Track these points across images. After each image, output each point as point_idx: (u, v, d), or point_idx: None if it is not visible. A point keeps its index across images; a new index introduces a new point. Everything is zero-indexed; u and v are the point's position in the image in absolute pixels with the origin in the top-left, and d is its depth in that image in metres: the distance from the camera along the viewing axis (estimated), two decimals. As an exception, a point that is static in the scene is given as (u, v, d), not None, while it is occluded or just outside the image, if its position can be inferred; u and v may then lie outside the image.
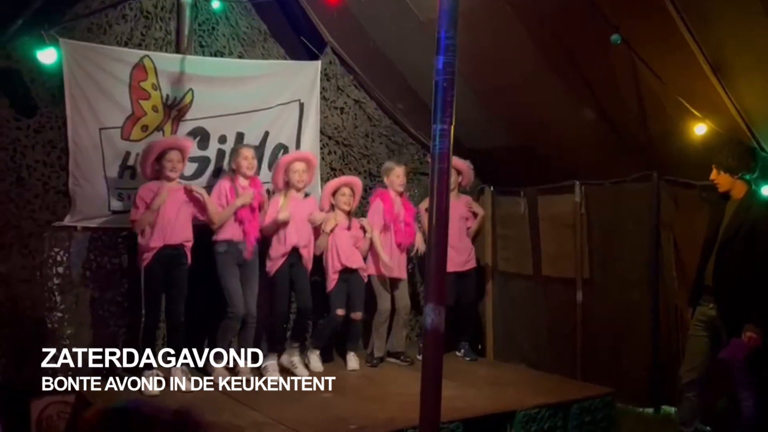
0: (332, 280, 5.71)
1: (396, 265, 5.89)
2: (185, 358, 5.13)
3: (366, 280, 5.88)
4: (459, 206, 6.08)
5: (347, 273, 5.76)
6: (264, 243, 5.50)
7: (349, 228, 5.80)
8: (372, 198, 6.03)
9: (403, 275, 6.01)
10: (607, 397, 5.07)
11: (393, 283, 5.98)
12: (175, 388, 4.97)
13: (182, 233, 5.06)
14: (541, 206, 6.36)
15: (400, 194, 5.97)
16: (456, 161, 5.90)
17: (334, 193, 5.81)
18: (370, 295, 5.98)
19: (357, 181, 5.91)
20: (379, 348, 5.96)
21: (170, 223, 4.98)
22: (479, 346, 6.77)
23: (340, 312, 5.70)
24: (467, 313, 6.31)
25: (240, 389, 5.02)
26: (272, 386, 5.14)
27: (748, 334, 4.04)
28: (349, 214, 5.84)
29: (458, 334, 6.18)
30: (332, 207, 5.82)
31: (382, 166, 6.10)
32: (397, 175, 5.89)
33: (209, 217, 5.17)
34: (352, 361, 5.82)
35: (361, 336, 6.11)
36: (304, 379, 5.23)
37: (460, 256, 6.05)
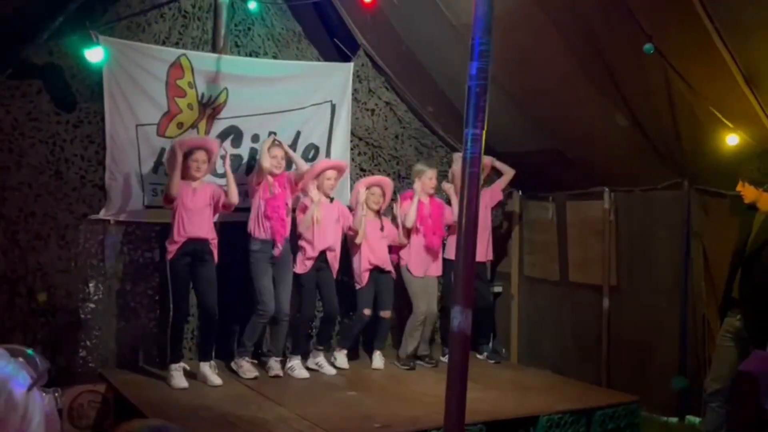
0: (363, 278, 5.76)
1: (422, 266, 5.91)
2: (214, 354, 5.24)
3: (395, 278, 5.93)
4: (483, 198, 6.07)
5: (376, 272, 5.81)
6: (294, 243, 5.56)
7: (381, 228, 5.85)
8: (403, 197, 6.04)
9: (437, 272, 6.00)
10: (632, 404, 5.05)
11: (425, 283, 5.98)
12: (204, 383, 5.07)
13: (206, 229, 5.12)
14: (570, 212, 6.35)
15: (430, 196, 6.00)
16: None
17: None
18: (400, 294, 6.01)
19: (388, 182, 5.96)
20: (411, 350, 5.91)
21: (194, 219, 5.04)
22: (503, 350, 6.78)
23: (367, 312, 5.75)
24: (485, 314, 6.22)
25: (268, 384, 5.11)
26: (300, 380, 5.28)
27: None
28: (379, 213, 5.89)
29: (477, 336, 6.13)
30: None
31: (414, 167, 6.13)
32: (429, 178, 5.91)
33: (230, 200, 5.21)
34: (378, 360, 5.87)
35: (388, 335, 6.16)
36: (328, 375, 5.32)
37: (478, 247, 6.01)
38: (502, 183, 6.29)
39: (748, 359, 4.10)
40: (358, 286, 5.80)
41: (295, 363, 5.48)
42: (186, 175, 5.10)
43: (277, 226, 5.33)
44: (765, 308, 4.09)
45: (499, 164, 6.24)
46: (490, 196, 6.24)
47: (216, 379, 5.09)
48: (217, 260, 5.20)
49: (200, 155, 5.11)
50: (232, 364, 5.42)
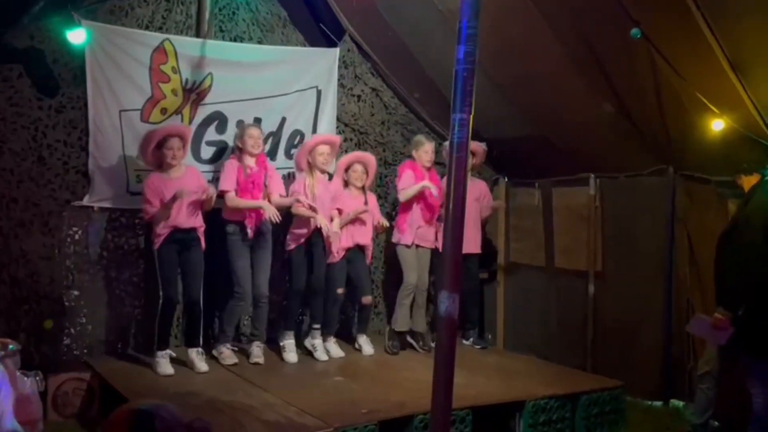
0: (338, 254, 5.70)
1: (422, 237, 5.93)
2: (201, 340, 5.22)
3: (371, 261, 5.95)
4: (473, 189, 6.09)
5: (352, 252, 5.79)
6: (276, 227, 5.50)
7: (365, 203, 5.83)
8: (401, 168, 6.01)
9: (428, 245, 5.98)
10: (617, 389, 5.09)
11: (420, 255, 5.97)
12: (191, 370, 5.06)
13: (192, 218, 5.09)
14: (556, 198, 6.38)
15: (428, 169, 5.97)
16: (471, 144, 5.93)
17: (346, 170, 5.84)
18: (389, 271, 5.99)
19: (370, 158, 5.94)
20: (403, 323, 5.90)
21: (179, 208, 5.00)
22: (488, 336, 6.81)
23: (341, 291, 5.74)
24: (471, 299, 6.28)
25: (255, 370, 5.12)
26: (288, 365, 5.31)
27: (716, 315, 4.12)
28: (363, 190, 5.87)
29: (463, 321, 6.13)
30: (346, 183, 5.85)
31: (413, 139, 6.12)
32: (425, 151, 5.90)
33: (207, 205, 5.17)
34: (366, 345, 5.87)
35: (370, 320, 6.18)
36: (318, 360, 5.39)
37: (469, 238, 6.04)
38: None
39: (690, 322, 4.24)
40: (330, 261, 5.70)
41: (287, 343, 5.49)
42: (163, 166, 5.06)
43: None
44: (727, 285, 4.17)
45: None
46: (485, 193, 6.31)
47: (203, 366, 5.09)
48: (204, 247, 5.17)
49: (174, 142, 5.06)
50: (213, 351, 5.40)
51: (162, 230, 4.98)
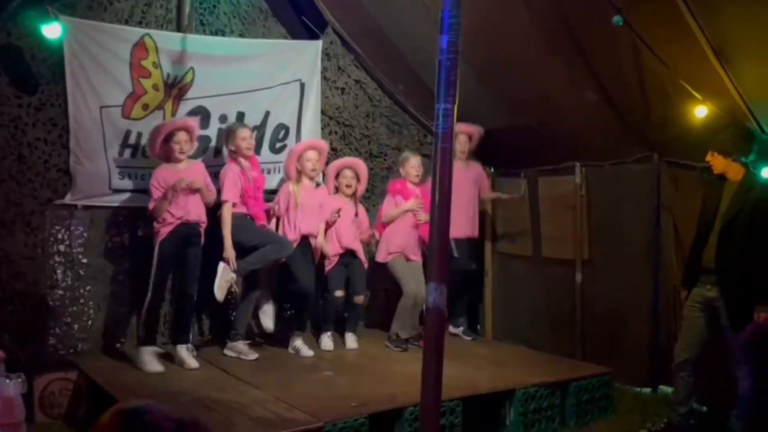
0: (331, 262, 5.73)
1: (410, 249, 5.87)
2: (191, 337, 5.19)
3: (366, 265, 5.92)
4: (470, 172, 6.08)
5: (347, 257, 5.78)
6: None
7: (356, 214, 5.82)
8: (390, 188, 5.97)
9: (418, 258, 5.92)
10: (605, 376, 5.12)
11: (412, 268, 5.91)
12: (181, 365, 5.03)
13: (197, 212, 5.07)
14: (542, 187, 6.38)
15: (417, 185, 5.90)
16: (465, 127, 5.97)
17: (336, 176, 5.82)
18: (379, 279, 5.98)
19: (359, 163, 5.90)
20: (405, 331, 5.80)
21: (185, 201, 4.98)
22: (477, 326, 6.82)
23: (339, 293, 5.74)
24: (462, 285, 6.24)
25: (244, 367, 5.10)
26: (277, 362, 5.27)
27: (763, 315, 4.06)
28: (354, 197, 5.84)
29: (452, 306, 6.07)
30: (336, 190, 5.82)
31: (400, 156, 6.09)
32: (412, 166, 5.86)
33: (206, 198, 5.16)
34: (351, 341, 5.86)
35: (360, 319, 6.16)
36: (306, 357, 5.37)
37: (464, 223, 6.05)
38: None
39: (742, 332, 4.18)
40: (326, 270, 5.77)
41: (298, 342, 5.51)
42: (170, 159, 5.03)
43: (254, 211, 5.33)
44: (744, 277, 4.15)
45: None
46: (483, 177, 6.30)
47: (193, 362, 5.05)
48: (203, 243, 5.14)
49: (181, 136, 5.02)
50: (226, 351, 5.36)
51: (169, 222, 4.94)
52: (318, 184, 5.72)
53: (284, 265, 5.47)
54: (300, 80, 6.08)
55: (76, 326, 5.30)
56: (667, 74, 4.55)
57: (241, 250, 5.21)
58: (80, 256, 5.32)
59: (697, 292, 4.44)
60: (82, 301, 5.33)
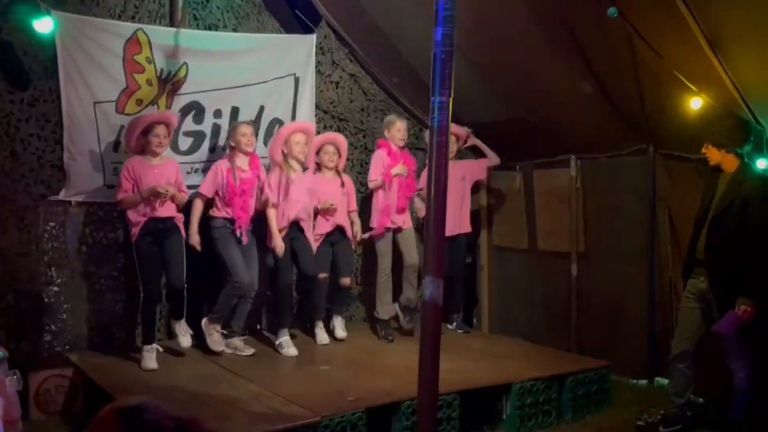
0: (315, 241, 5.65)
1: (401, 219, 5.86)
2: (186, 321, 5.18)
3: (354, 246, 5.91)
4: (457, 169, 6.05)
5: (333, 236, 5.75)
6: (259, 223, 5.46)
7: (342, 185, 5.80)
8: (376, 152, 5.95)
9: (408, 225, 5.91)
10: (602, 370, 5.12)
11: (397, 237, 5.91)
12: (176, 345, 5.07)
13: (170, 207, 5.01)
14: (537, 181, 6.37)
15: (401, 149, 5.89)
16: (453, 127, 5.91)
17: (318, 152, 5.78)
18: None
19: (340, 138, 5.88)
20: (385, 310, 5.86)
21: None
22: (473, 320, 6.82)
23: (323, 276, 5.68)
24: (457, 284, 6.26)
25: (239, 362, 5.09)
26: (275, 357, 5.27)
27: (743, 307, 4.07)
28: (337, 171, 5.82)
29: (448, 306, 6.09)
30: (318, 166, 5.79)
31: (384, 119, 6.05)
32: (398, 129, 5.82)
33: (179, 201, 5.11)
34: (339, 328, 5.85)
35: (347, 302, 6.19)
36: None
37: (452, 220, 6.01)
38: (487, 162, 6.26)
39: (720, 321, 4.18)
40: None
41: (284, 340, 5.42)
42: (147, 152, 4.98)
43: (239, 213, 5.25)
44: (731, 268, 4.16)
45: (484, 147, 6.24)
46: (469, 169, 6.23)
47: (185, 340, 5.06)
48: (184, 236, 5.10)
49: (161, 129, 4.98)
50: (225, 348, 5.28)
51: (137, 219, 4.90)
52: (305, 169, 5.60)
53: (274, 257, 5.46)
54: (294, 74, 6.05)
55: (71, 323, 5.28)
56: (662, 66, 4.54)
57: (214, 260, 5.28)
58: (75, 253, 5.30)
59: (691, 284, 4.46)
60: (77, 298, 5.31)
